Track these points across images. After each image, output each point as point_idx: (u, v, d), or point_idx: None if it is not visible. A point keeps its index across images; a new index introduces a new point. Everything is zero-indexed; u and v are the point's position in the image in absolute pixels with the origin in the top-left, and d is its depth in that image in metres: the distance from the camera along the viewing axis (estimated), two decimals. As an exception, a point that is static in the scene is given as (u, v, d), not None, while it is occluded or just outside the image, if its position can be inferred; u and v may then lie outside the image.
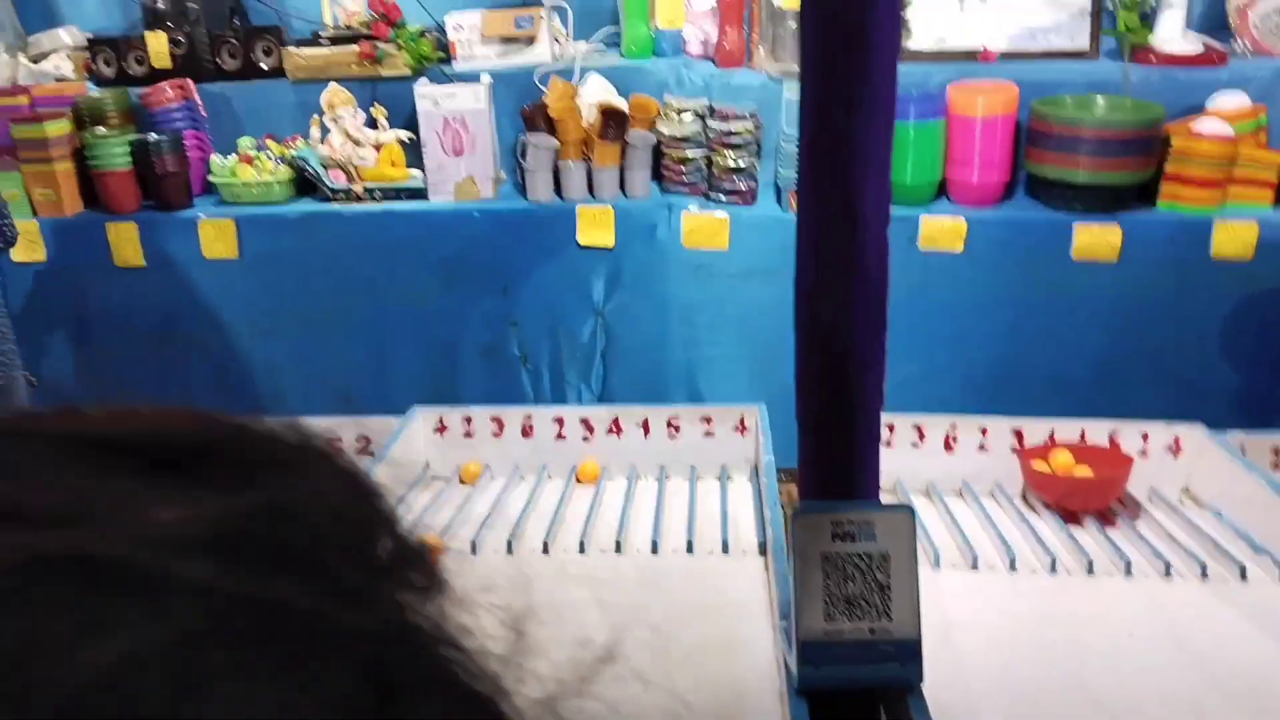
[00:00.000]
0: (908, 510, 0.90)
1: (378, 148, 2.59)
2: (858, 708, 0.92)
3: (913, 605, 0.90)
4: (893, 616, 0.90)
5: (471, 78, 2.55)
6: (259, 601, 0.20)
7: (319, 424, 0.28)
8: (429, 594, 0.24)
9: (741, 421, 1.57)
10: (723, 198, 2.46)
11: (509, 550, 1.36)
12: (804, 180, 0.93)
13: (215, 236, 2.51)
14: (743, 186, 2.45)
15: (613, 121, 2.43)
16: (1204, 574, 1.24)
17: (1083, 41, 2.59)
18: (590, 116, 2.49)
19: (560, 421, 1.60)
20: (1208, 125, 2.33)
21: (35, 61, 2.78)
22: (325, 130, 2.58)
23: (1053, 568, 1.26)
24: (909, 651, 0.89)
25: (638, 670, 1.08)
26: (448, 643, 0.24)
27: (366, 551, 0.23)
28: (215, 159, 2.59)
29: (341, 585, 0.22)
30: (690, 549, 1.34)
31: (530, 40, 2.63)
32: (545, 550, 1.35)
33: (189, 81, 2.63)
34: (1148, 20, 2.52)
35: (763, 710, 0.99)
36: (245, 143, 2.62)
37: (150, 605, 0.19)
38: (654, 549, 1.34)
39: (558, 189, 2.51)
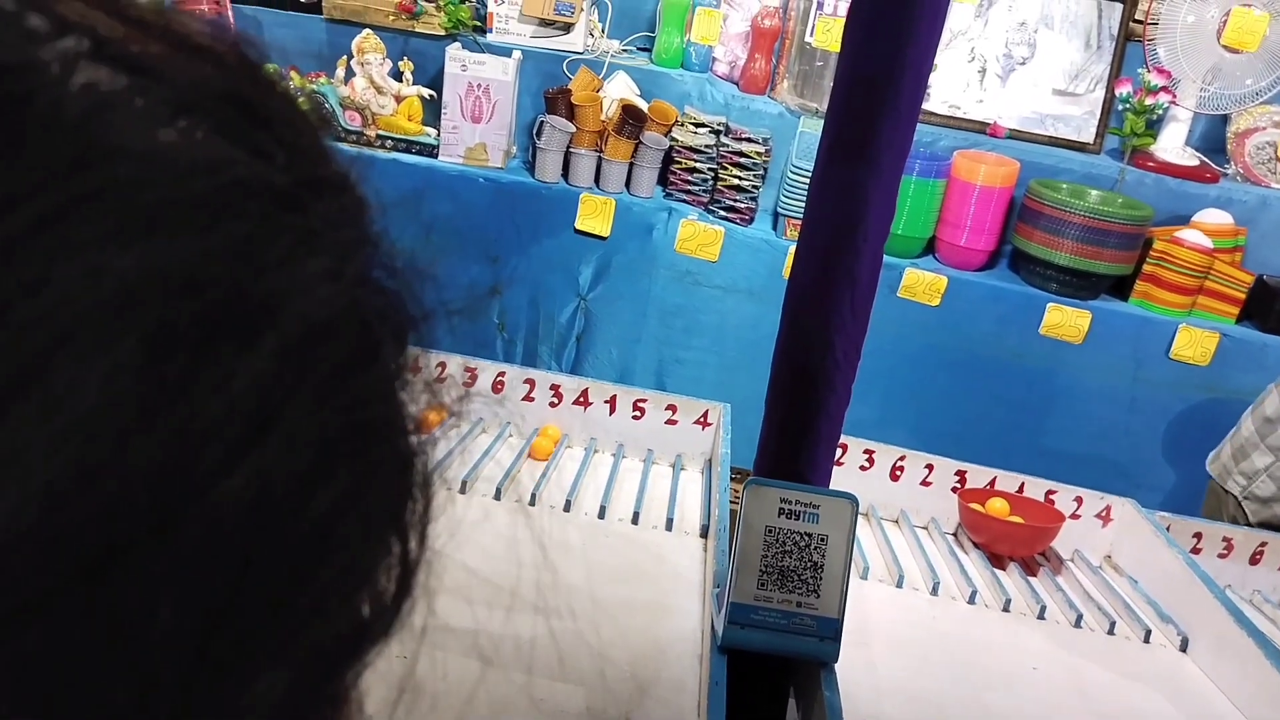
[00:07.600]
0: (851, 499, 0.96)
1: (399, 99, 2.63)
2: (773, 675, 0.97)
3: (840, 589, 0.96)
4: (820, 595, 0.95)
5: (503, 51, 2.60)
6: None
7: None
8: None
9: (705, 416, 1.62)
10: (722, 213, 2.52)
11: (461, 490, 1.39)
12: (818, 175, 0.99)
13: (222, 152, 2.53)
14: (742, 206, 2.52)
15: (631, 119, 2.49)
16: (1111, 630, 1.31)
17: (1089, 136, 2.70)
18: (610, 111, 2.55)
19: (531, 384, 1.64)
20: (1190, 235, 2.44)
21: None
22: (351, 74, 2.61)
23: (972, 599, 1.32)
24: (830, 630, 0.95)
25: (558, 609, 1.13)
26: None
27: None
28: (236, 78, 2.61)
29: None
30: (636, 520, 1.38)
31: (567, 28, 2.68)
32: (497, 496, 1.39)
33: (226, -2, 2.65)
34: (1153, 129, 2.64)
35: (682, 667, 1.03)
36: (268, 69, 2.64)
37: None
38: (601, 514, 1.39)
39: (565, 174, 2.56)
